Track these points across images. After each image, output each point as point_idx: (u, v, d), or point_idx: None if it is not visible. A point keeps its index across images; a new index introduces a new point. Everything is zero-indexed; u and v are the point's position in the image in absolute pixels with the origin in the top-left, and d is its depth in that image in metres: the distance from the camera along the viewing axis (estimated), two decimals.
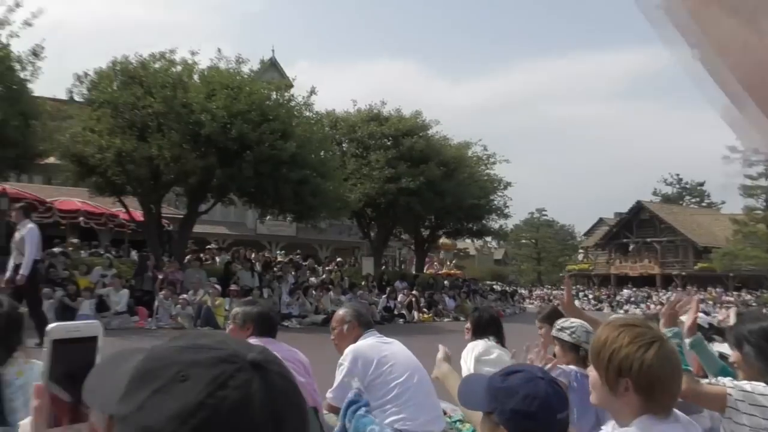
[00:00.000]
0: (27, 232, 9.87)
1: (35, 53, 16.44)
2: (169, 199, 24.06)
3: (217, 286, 17.45)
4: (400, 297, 22.97)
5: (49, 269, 15.57)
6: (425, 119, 29.11)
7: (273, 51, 34.40)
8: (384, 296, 22.30)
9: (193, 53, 18.85)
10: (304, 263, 24.00)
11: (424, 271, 32.78)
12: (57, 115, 18.09)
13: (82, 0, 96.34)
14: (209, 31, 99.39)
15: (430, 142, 28.03)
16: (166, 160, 17.63)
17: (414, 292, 23.82)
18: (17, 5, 16.00)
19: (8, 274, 9.76)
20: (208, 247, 25.26)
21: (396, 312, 21.92)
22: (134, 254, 23.67)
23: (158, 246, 19.90)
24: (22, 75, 16.45)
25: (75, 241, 20.82)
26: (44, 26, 16.40)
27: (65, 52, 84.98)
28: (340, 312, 4.50)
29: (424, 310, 23.36)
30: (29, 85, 16.70)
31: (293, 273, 21.38)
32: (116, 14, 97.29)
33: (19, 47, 16.41)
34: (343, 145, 28.68)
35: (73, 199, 22.92)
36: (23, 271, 9.60)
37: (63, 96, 19.11)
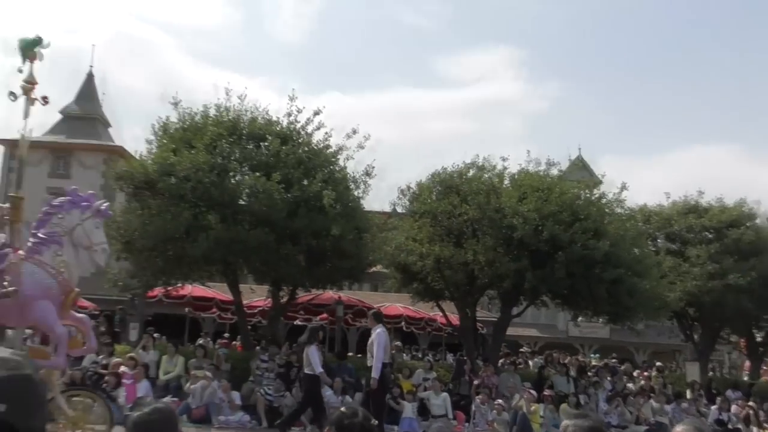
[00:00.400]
0: (375, 336, 10.53)
1: (367, 173, 18.44)
2: (483, 303, 24.58)
3: (533, 392, 16.98)
4: (733, 408, 20.26)
5: None
6: (752, 207, 26.40)
7: (579, 149, 34.44)
8: (714, 407, 19.85)
9: (503, 159, 19.63)
10: (620, 367, 22.58)
11: (761, 378, 28.74)
12: (383, 227, 19.71)
13: (399, 122, 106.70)
14: (515, 135, 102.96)
15: (761, 233, 25.21)
16: (480, 264, 18.15)
17: (750, 403, 20.85)
18: (354, 132, 18.31)
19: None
20: (521, 350, 25.14)
21: (731, 426, 19.30)
22: (450, 357, 24.44)
23: (473, 349, 20.24)
24: (356, 193, 18.49)
25: (398, 344, 22.00)
26: (371, 146, 18.30)
27: (387, 168, 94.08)
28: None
29: (765, 425, 20.25)
30: (362, 202, 18.66)
31: (609, 378, 20.14)
32: (430, 129, 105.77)
33: (353, 168, 18.54)
34: (658, 240, 27.06)
35: (396, 304, 24.48)
36: (373, 374, 10.13)
37: (387, 209, 20.84)
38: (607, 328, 28.92)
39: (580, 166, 30.90)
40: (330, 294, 22.37)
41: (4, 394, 1.25)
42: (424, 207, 19.17)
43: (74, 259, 7.49)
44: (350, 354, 21.81)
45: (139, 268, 17.83)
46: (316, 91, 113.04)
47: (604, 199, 19.67)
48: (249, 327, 21.40)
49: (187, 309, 24.36)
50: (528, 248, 17.74)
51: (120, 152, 35.93)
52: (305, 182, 17.18)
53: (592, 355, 29.49)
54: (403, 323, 23.98)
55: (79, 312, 8.05)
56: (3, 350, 1.37)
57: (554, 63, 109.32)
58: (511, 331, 23.85)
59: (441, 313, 21.97)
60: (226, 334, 23.65)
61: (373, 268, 21.52)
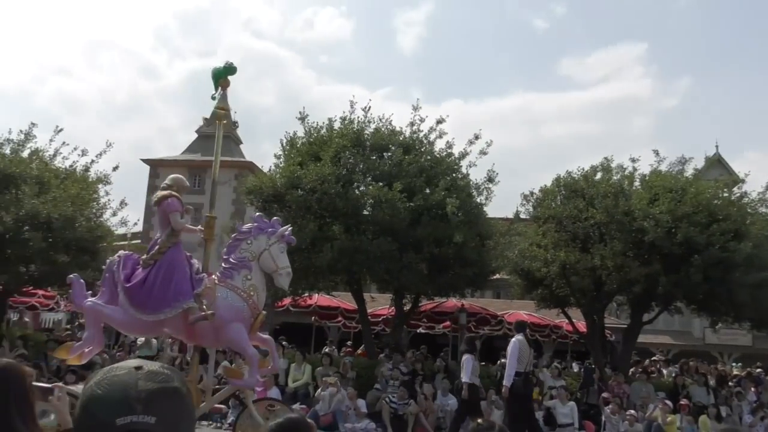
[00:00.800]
0: (510, 344, 10.41)
1: (490, 179, 18.29)
2: (611, 309, 23.71)
3: (668, 402, 16.14)
4: None
5: None
6: None
7: (717, 147, 32.74)
8: None
9: (633, 160, 18.92)
10: (765, 377, 21.06)
11: None
12: (506, 233, 19.48)
13: (521, 127, 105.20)
14: (644, 134, 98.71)
15: None
16: (608, 269, 17.54)
17: None
18: (476, 138, 18.25)
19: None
20: (653, 358, 24.00)
21: None
22: (575, 366, 23.70)
23: (601, 357, 19.55)
24: (478, 200, 18.37)
25: None
26: (495, 152, 18.21)
27: (510, 173, 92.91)
28: None
29: None
30: (484, 208, 18.51)
31: (753, 389, 18.85)
32: (554, 132, 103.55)
33: (475, 175, 18.45)
34: None
35: (520, 311, 24.07)
36: (505, 381, 10.03)
37: (510, 215, 20.59)
38: (750, 335, 27.04)
39: (717, 164, 29.15)
40: (453, 302, 22.28)
41: (154, 407, 1.27)
42: (548, 212, 18.79)
43: (261, 283, 7.88)
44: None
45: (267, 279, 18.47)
46: (437, 100, 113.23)
47: (746, 199, 18.51)
48: (373, 335, 21.65)
49: (313, 318, 24.98)
50: (660, 252, 16.96)
51: (250, 167, 37.56)
52: (427, 191, 17.27)
53: (732, 364, 27.69)
54: (527, 331, 23.47)
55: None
56: (153, 363, 1.39)
57: (684, 57, 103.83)
58: (641, 338, 22.83)
59: (567, 320, 21.39)
60: (349, 342, 24.04)
61: (496, 275, 21.30)
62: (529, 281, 19.89)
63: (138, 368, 1.33)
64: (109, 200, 19.39)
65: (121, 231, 20.36)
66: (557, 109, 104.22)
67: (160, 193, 7.80)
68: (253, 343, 7.95)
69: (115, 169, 19.53)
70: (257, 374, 7.99)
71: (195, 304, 7.49)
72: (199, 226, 8.49)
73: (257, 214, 8.27)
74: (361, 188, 17.69)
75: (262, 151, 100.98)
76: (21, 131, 18.82)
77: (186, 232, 8.15)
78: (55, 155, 19.03)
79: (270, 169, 18.93)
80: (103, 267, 8.04)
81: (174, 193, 7.87)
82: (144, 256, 7.72)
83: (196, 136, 44.53)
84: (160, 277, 7.56)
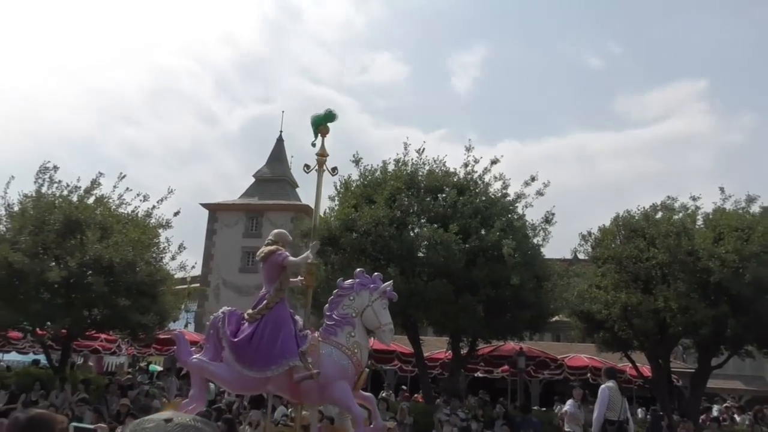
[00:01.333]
0: (600, 391, 10.05)
1: (547, 220, 18.03)
2: (677, 353, 22.82)
3: None
4: None
5: None
6: None
7: None
8: None
9: (694, 198, 18.45)
10: None
11: None
12: (564, 274, 19.07)
13: (578, 166, 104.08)
14: (706, 172, 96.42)
15: None
16: (672, 311, 16.92)
17: None
18: (533, 179, 18.09)
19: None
20: (726, 405, 22.91)
21: None
22: (640, 411, 22.78)
23: (669, 403, 18.76)
24: (535, 240, 18.10)
25: (579, 390, 20.82)
26: (551, 191, 17.97)
27: (567, 214, 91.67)
28: None
29: None
30: (541, 249, 18.19)
31: None
32: (612, 171, 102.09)
33: (532, 216, 18.21)
34: None
35: (581, 355, 23.40)
36: (593, 430, 9.67)
37: (568, 255, 20.20)
38: None
39: None
40: (511, 345, 21.82)
41: None
42: (607, 252, 18.37)
43: (364, 340, 7.90)
44: (534, 408, 20.98)
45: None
46: (493, 140, 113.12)
47: None
48: (430, 379, 21.31)
49: (370, 361, 24.77)
50: (727, 292, 16.32)
51: (306, 210, 37.93)
52: (483, 232, 17.11)
53: None
54: (589, 375, 22.76)
55: None
56: (184, 416, 1.33)
57: (748, 92, 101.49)
58: (710, 383, 21.86)
59: (630, 364, 20.65)
60: (405, 387, 23.71)
61: (555, 318, 20.80)
62: (590, 323, 19.34)
63: (167, 420, 1.29)
64: (168, 244, 19.80)
65: (180, 275, 20.71)
66: (614, 147, 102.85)
67: (266, 249, 7.83)
68: (356, 401, 7.89)
69: (176, 214, 19.99)
70: None
71: (300, 363, 7.47)
72: (299, 277, 8.53)
73: (358, 270, 8.20)
74: (416, 230, 17.62)
75: (312, 191, 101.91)
76: (90, 181, 19.44)
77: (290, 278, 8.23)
78: (120, 203, 19.57)
79: (324, 212, 19.07)
80: (206, 323, 8.06)
81: (280, 248, 7.95)
82: (249, 311, 7.75)
83: (253, 180, 45.36)
84: (267, 333, 7.53)
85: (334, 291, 8.08)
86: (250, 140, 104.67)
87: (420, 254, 17.20)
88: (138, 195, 19.82)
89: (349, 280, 8.09)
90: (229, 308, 8.04)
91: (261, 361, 7.44)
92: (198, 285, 30.44)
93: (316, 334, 7.86)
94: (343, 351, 7.66)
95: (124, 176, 19.82)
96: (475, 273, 16.48)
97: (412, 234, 17.40)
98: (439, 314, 17.06)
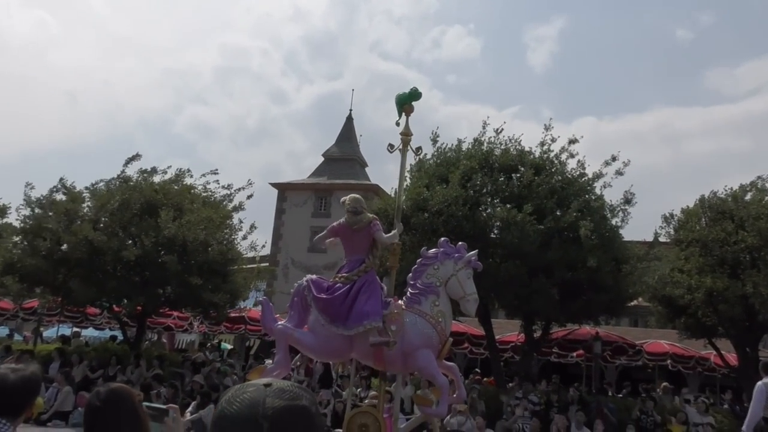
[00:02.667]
0: (756, 388, 9.72)
1: (627, 200, 17.56)
2: (766, 341, 21.96)
3: None
4: None
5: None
6: None
7: None
8: None
9: None
10: None
11: None
12: (644, 257, 18.56)
13: (661, 144, 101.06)
14: None
15: None
16: (762, 297, 16.26)
17: None
18: (613, 159, 17.64)
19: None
20: None
21: None
22: (725, 400, 22.11)
23: None
24: (614, 222, 17.70)
25: (666, 384, 20.38)
26: (632, 171, 17.52)
27: (648, 194, 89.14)
28: None
29: None
30: (620, 231, 17.75)
31: None
32: (697, 150, 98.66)
33: (611, 196, 17.76)
34: None
35: (661, 341, 22.81)
36: (744, 428, 9.37)
37: (649, 238, 19.65)
38: None
39: None
40: (586, 329, 21.45)
41: (280, 426, 1.27)
42: (691, 235, 17.79)
43: (448, 309, 7.95)
44: (610, 394, 20.62)
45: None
46: (569, 117, 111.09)
47: None
48: (501, 362, 21.17)
49: None
50: None
51: (375, 190, 38.13)
52: (559, 213, 16.83)
53: None
54: (669, 362, 22.18)
55: None
56: (283, 381, 1.39)
57: None
58: None
59: (714, 352, 20.00)
60: (477, 370, 23.61)
61: (634, 302, 20.31)
62: (671, 309, 18.81)
63: (267, 385, 1.36)
64: (240, 224, 20.25)
65: (250, 254, 21.17)
66: (701, 124, 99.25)
67: (368, 216, 7.96)
68: (440, 370, 7.94)
69: (249, 197, 20.45)
70: (446, 403, 7.95)
71: (381, 325, 7.57)
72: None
73: (443, 239, 8.23)
74: (489, 210, 17.44)
75: (387, 173, 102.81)
76: (176, 171, 20.34)
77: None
78: (203, 189, 20.25)
79: (394, 192, 19.08)
80: (291, 291, 8.26)
81: (376, 218, 8.10)
82: (342, 274, 7.90)
83: (322, 159, 45.76)
84: (362, 293, 7.74)
85: (418, 260, 8.15)
86: (320, 119, 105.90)
87: (493, 235, 17.04)
88: (218, 182, 20.50)
89: (433, 250, 8.12)
90: (313, 276, 8.19)
91: (354, 317, 7.59)
92: (267, 264, 31.03)
93: (400, 302, 7.93)
94: (427, 320, 7.74)
95: (217, 173, 20.48)
96: (549, 255, 16.23)
97: (485, 214, 17.24)
98: (511, 296, 16.90)
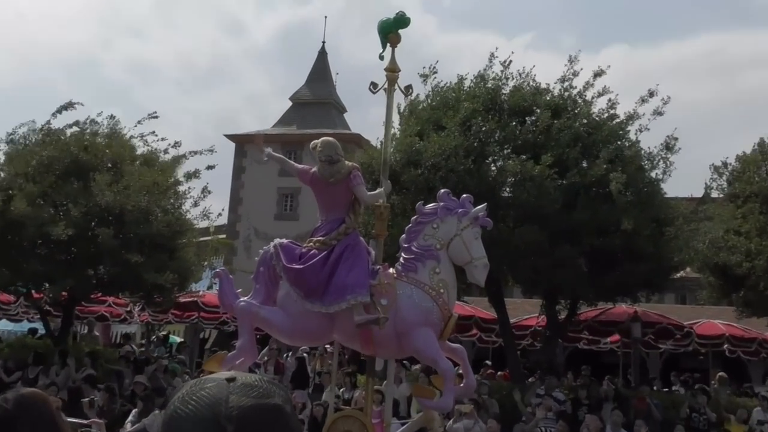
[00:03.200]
0: None
1: (668, 147, 17.69)
2: None
3: None
4: None
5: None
6: None
7: None
8: None
9: None
10: None
11: None
12: (692, 217, 18.78)
13: (708, 77, 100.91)
14: None
15: None
16: None
17: None
18: (650, 95, 17.75)
19: None
20: None
21: None
22: None
23: None
24: (653, 174, 17.87)
25: (722, 374, 20.75)
26: (674, 111, 17.68)
27: (700, 138, 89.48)
28: None
29: None
30: (661, 185, 17.97)
31: None
32: (754, 83, 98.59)
33: (648, 142, 17.90)
34: None
35: (714, 321, 23.16)
36: None
37: (697, 193, 19.94)
38: None
39: None
40: (623, 308, 21.71)
41: (248, 428, 1.29)
42: (749, 188, 18.06)
43: (452, 277, 7.96)
44: (653, 388, 20.99)
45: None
46: (596, 46, 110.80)
47: None
48: (518, 352, 21.47)
49: None
50: None
51: (356, 141, 38.22)
52: (584, 164, 16.92)
53: None
54: (726, 346, 22.57)
55: None
56: (249, 375, 1.40)
57: None
58: None
59: None
60: (488, 362, 23.91)
61: (680, 273, 20.56)
62: (727, 280, 19.15)
63: (230, 380, 1.35)
64: (189, 188, 20.25)
65: (202, 224, 21.23)
66: (759, 52, 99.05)
67: (346, 165, 7.88)
68: (443, 353, 7.92)
69: (210, 168, 20.38)
70: (452, 393, 7.88)
71: (368, 299, 7.55)
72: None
73: (443, 191, 8.21)
74: (498, 163, 17.55)
75: (371, 119, 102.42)
76: (110, 117, 20.35)
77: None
78: (144, 143, 20.34)
79: (379, 143, 19.16)
80: (255, 259, 8.22)
81: (357, 167, 8.02)
82: (317, 238, 7.81)
83: (290, 104, 45.67)
84: (344, 260, 7.64)
85: (413, 218, 8.15)
86: (285, 54, 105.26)
87: (504, 194, 17.17)
88: (164, 140, 20.48)
89: (431, 205, 8.12)
90: (282, 240, 8.13)
91: (334, 291, 7.54)
92: (224, 237, 31.12)
93: (391, 271, 7.90)
94: (425, 291, 7.68)
95: (156, 116, 20.41)
96: (575, 216, 16.40)
97: (493, 168, 17.36)
98: (529, 269, 17.09)
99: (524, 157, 16.72)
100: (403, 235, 8.09)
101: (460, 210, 7.91)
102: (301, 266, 7.67)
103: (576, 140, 17.16)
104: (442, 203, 8.01)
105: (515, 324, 22.01)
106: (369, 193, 8.03)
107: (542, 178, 16.11)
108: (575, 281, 17.18)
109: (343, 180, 7.85)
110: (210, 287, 25.08)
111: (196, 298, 23.14)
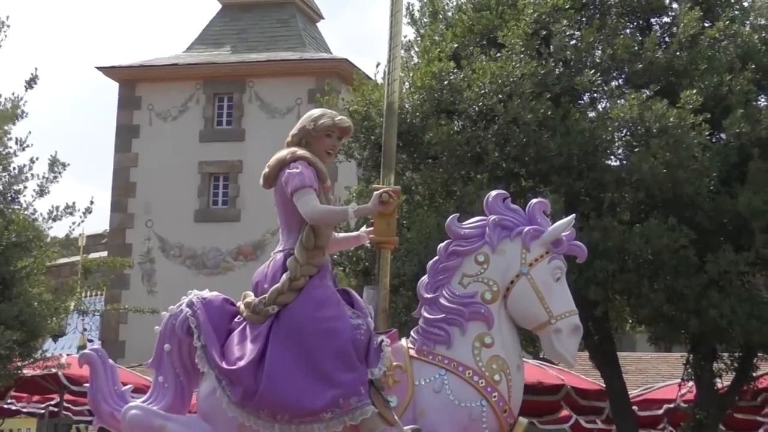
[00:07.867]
0: None
1: None
2: None
3: None
4: None
5: None
6: None
7: None
8: None
9: None
10: None
11: None
12: None
13: None
14: None
15: None
16: None
17: None
18: None
19: None
20: None
21: None
22: None
23: None
24: None
25: None
26: None
27: None
28: None
29: None
30: None
31: None
32: None
33: None
34: None
35: None
36: None
37: None
38: None
39: None
40: None
41: None
42: None
43: (515, 350, 7.93)
44: None
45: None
46: None
47: None
48: None
49: None
50: None
51: (341, 72, 38.27)
52: (761, 102, 17.02)
53: None
54: None
55: None
56: None
57: None
58: None
59: None
60: None
61: None
62: None
63: None
64: (31, 164, 19.88)
65: (59, 230, 20.91)
66: None
67: (281, 154, 7.54)
68: None
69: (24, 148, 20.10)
70: None
71: (373, 407, 7.35)
72: (360, 230, 8.41)
73: (494, 193, 7.94)
74: (604, 104, 17.56)
75: (364, 32, 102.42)
76: None
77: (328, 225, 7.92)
78: None
79: (386, 79, 19.04)
80: (156, 327, 7.93)
81: (303, 153, 7.61)
82: (248, 300, 7.56)
83: (219, 7, 45.53)
84: (295, 347, 7.28)
85: (441, 246, 8.02)
86: None
87: (612, 161, 17.24)
88: None
89: (474, 220, 8.08)
90: (206, 295, 7.75)
91: (295, 401, 7.16)
92: (105, 254, 31.15)
93: (404, 342, 7.88)
94: (467, 379, 7.61)
95: None
96: (742, 200, 16.36)
97: (592, 115, 17.35)
98: (662, 297, 17.06)
99: (646, 93, 16.78)
100: (425, 278, 7.96)
101: (526, 229, 7.82)
102: (231, 368, 7.26)
103: (746, 61, 17.19)
104: (493, 217, 7.86)
105: (639, 398, 22.04)
106: (330, 207, 7.78)
107: (683, 131, 16.08)
108: (747, 318, 17.12)
109: (273, 183, 7.71)
110: (82, 347, 25.08)
111: (55, 369, 22.90)
